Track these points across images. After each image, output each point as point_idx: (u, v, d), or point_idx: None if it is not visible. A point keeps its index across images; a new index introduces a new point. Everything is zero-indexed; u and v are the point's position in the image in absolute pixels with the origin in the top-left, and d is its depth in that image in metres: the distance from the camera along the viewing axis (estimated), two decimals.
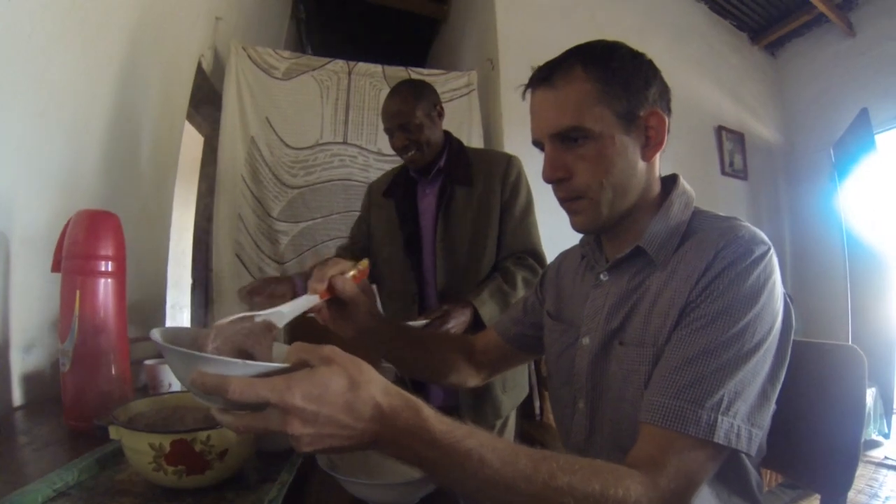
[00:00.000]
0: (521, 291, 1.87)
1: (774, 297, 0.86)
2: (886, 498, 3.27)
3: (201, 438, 0.83)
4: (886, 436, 4.09)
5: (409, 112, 1.93)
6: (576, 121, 0.94)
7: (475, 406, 1.93)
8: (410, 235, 2.05)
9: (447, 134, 2.11)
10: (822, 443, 1.01)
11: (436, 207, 2.02)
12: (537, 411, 3.35)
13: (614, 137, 0.94)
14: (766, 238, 0.90)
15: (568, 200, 1.01)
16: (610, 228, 1.03)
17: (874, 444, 4.01)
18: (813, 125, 5.22)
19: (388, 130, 2.00)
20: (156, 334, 0.73)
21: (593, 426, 1.03)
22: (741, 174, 5.06)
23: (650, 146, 0.98)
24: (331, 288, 1.03)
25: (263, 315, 0.86)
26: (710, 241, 0.90)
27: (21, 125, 1.42)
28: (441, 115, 2.05)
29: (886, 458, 3.81)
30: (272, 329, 0.86)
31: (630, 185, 0.98)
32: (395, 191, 2.14)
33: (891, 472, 3.63)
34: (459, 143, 2.13)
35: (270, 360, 0.79)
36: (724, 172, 4.94)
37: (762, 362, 0.83)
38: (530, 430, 3.29)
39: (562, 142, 0.97)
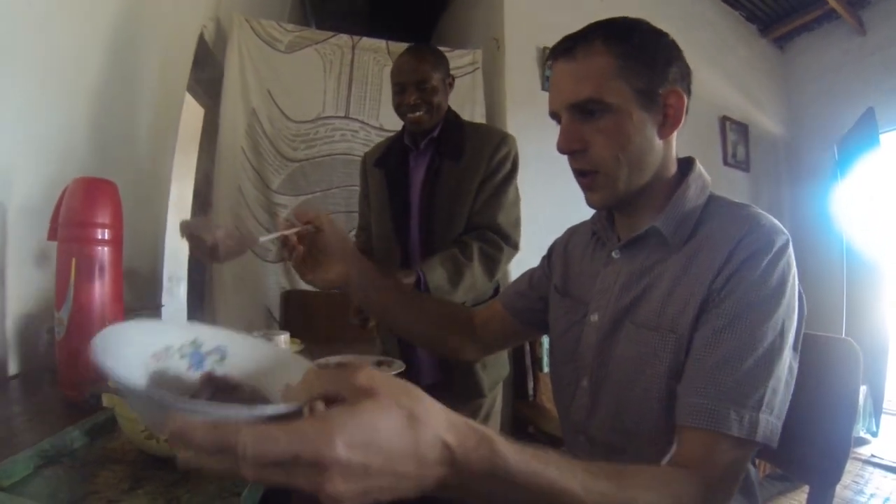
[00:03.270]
0: (476, 262, 1.85)
1: (795, 289, 0.87)
2: (871, 495, 3.29)
3: None
4: (874, 434, 4.12)
5: (428, 72, 1.91)
6: (594, 93, 0.93)
7: (454, 383, 1.93)
8: (398, 207, 2.04)
9: (448, 107, 2.09)
10: (814, 434, 1.02)
11: (423, 180, 2.02)
12: (531, 392, 3.36)
13: (632, 113, 0.94)
14: (783, 227, 0.90)
15: (583, 175, 1.00)
16: (624, 205, 1.03)
17: (862, 442, 4.03)
18: (818, 121, 5.20)
19: (399, 86, 1.95)
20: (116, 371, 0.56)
21: (595, 405, 1.03)
22: (743, 165, 5.06)
23: (667, 125, 0.97)
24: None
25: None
26: (730, 228, 0.91)
27: (20, 93, 1.40)
28: (451, 86, 2.05)
29: (873, 455, 3.83)
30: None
31: (646, 162, 0.98)
32: (388, 161, 2.13)
33: (877, 470, 3.65)
34: (457, 116, 2.10)
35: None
36: (726, 163, 4.93)
37: (788, 355, 0.85)
38: (523, 410, 3.32)
39: (579, 113, 0.96)
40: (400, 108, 1.98)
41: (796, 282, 0.88)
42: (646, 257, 1.01)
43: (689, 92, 1.00)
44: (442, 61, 2.00)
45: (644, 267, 1.00)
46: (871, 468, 3.69)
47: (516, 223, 2.02)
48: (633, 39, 0.95)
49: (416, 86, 1.91)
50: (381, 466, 0.49)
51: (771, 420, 0.80)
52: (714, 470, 0.77)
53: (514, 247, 1.99)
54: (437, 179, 1.98)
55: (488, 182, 1.96)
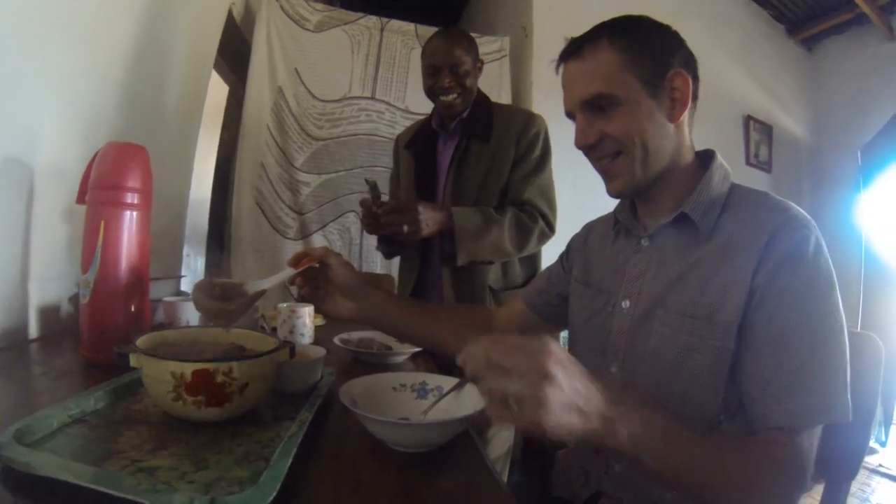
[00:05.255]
0: (507, 223, 1.86)
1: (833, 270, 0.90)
2: None
3: (223, 370, 0.83)
4: (883, 444, 4.09)
5: (461, 55, 1.93)
6: (603, 88, 0.97)
7: None
8: (424, 188, 2.05)
9: (478, 89, 2.10)
10: (834, 428, 1.02)
11: (450, 161, 2.02)
12: None
13: (640, 102, 0.97)
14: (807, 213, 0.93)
15: (604, 160, 1.03)
16: (645, 192, 1.05)
17: (870, 451, 4.01)
18: (843, 125, 5.12)
19: (432, 68, 1.97)
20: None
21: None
22: (766, 166, 5.01)
23: (676, 108, 1.00)
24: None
25: (247, 286, 1.09)
26: (762, 216, 0.93)
27: (52, 59, 1.40)
28: (480, 69, 2.06)
29: (881, 465, 3.81)
30: (245, 293, 1.07)
31: (661, 147, 1.00)
32: (416, 143, 2.14)
33: (883, 480, 3.64)
34: (486, 98, 2.12)
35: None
36: (748, 163, 4.88)
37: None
38: None
39: (591, 110, 1.00)
40: (433, 91, 1.99)
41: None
42: (676, 244, 1.02)
43: (695, 77, 1.03)
44: (473, 45, 2.01)
45: (676, 254, 1.01)
46: (878, 477, 3.68)
47: (551, 204, 2.02)
48: (637, 34, 1.00)
49: (450, 69, 1.93)
50: (580, 386, 0.70)
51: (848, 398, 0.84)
52: (811, 460, 0.82)
53: (549, 226, 1.99)
54: (466, 159, 1.99)
55: (522, 163, 1.98)
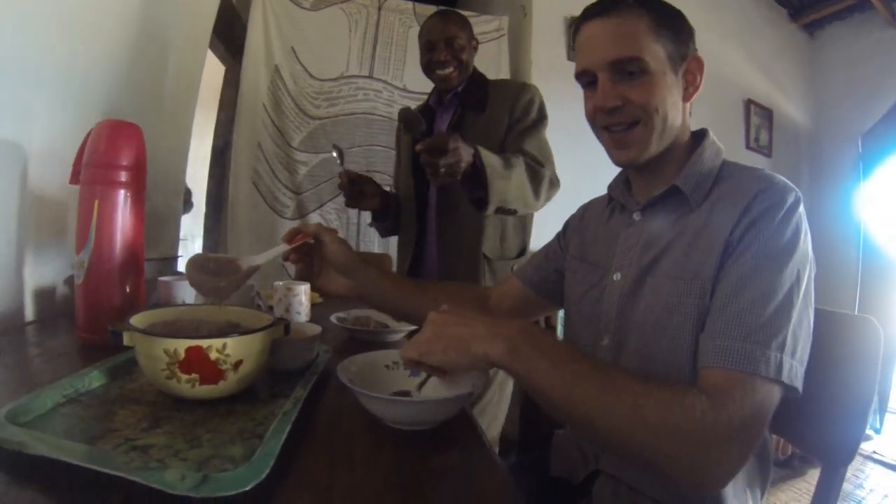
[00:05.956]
0: (523, 165, 1.80)
1: (808, 243, 0.90)
2: (871, 490, 3.32)
3: (217, 346, 0.83)
4: (878, 431, 4.12)
5: (455, 30, 2.01)
6: (636, 52, 0.96)
7: None
8: (418, 164, 1.91)
9: (474, 67, 2.14)
10: (832, 411, 1.03)
11: (445, 130, 2.05)
12: None
13: (666, 74, 0.98)
14: (795, 186, 0.93)
15: (618, 127, 1.02)
16: (648, 165, 1.05)
17: (865, 438, 4.03)
18: (844, 112, 5.09)
19: (429, 44, 2.03)
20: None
21: (617, 361, 1.04)
22: (765, 151, 4.99)
23: (689, 89, 1.03)
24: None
25: (241, 261, 1.09)
26: (746, 184, 0.94)
27: (45, 39, 1.38)
28: (476, 48, 2.12)
29: (875, 452, 3.83)
30: (239, 268, 1.08)
31: (674, 123, 1.01)
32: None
33: (877, 467, 3.66)
34: (482, 75, 2.15)
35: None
36: (748, 146, 4.87)
37: (806, 304, 0.87)
38: None
39: (617, 73, 0.98)
40: (429, 66, 2.05)
41: (808, 238, 0.90)
42: (666, 216, 1.03)
43: None
44: (468, 24, 2.08)
45: (665, 225, 1.02)
46: (872, 464, 3.70)
47: (551, 161, 2.01)
48: (664, 9, 1.00)
49: (446, 42, 2.00)
50: (455, 328, 0.85)
51: (794, 363, 0.81)
52: (743, 409, 0.77)
53: (554, 177, 1.97)
54: (461, 129, 1.99)
55: (516, 125, 1.99)
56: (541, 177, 1.87)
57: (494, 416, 2.04)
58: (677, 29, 0.99)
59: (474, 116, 2.02)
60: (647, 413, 0.75)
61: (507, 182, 1.72)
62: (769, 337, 0.81)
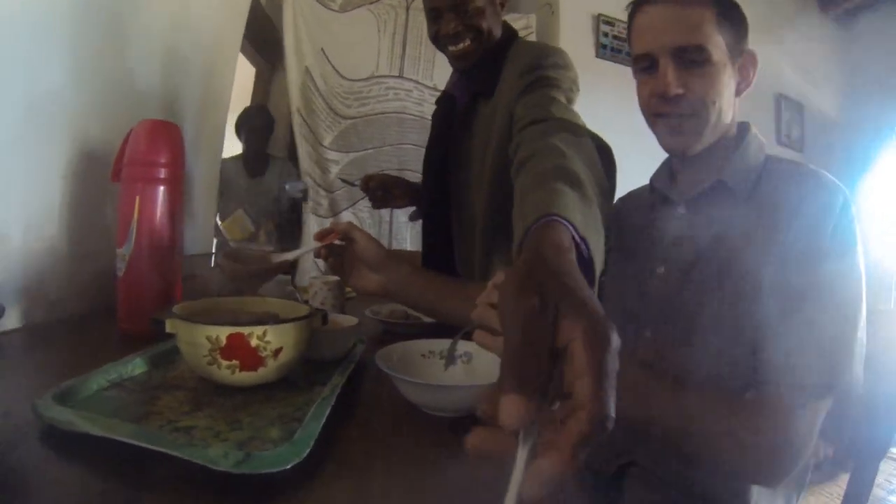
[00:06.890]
0: (590, 185, 0.98)
1: (860, 242, 0.90)
2: None
3: (258, 333, 0.84)
4: None
5: None
6: (702, 41, 0.96)
7: None
8: (430, 162, 1.77)
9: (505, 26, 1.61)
10: (864, 404, 1.00)
11: (457, 125, 1.65)
12: None
13: (727, 67, 0.98)
14: (840, 183, 0.93)
15: (677, 117, 1.01)
16: (696, 156, 1.04)
17: None
18: (879, 106, 4.97)
19: (434, 11, 1.53)
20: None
21: (660, 353, 1.04)
22: (797, 146, 4.91)
23: (741, 85, 1.02)
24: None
25: (272, 256, 1.16)
26: (793, 182, 0.94)
27: (83, 39, 1.41)
28: (504, 5, 1.59)
29: None
30: (269, 261, 1.16)
31: (728, 116, 1.01)
32: (436, 113, 1.86)
33: None
34: (506, 40, 1.58)
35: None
36: (779, 142, 4.79)
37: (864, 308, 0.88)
38: None
39: (680, 60, 0.98)
40: (438, 42, 1.59)
41: (859, 238, 0.89)
42: (713, 211, 1.02)
43: None
44: None
45: (712, 221, 1.01)
46: None
47: (580, 120, 1.24)
48: (726, 1, 0.99)
49: (454, 9, 1.49)
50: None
51: (858, 372, 0.84)
52: (812, 423, 0.81)
53: (597, 137, 1.14)
54: (470, 128, 1.61)
55: (533, 88, 1.36)
56: (591, 151, 0.99)
57: None
58: (738, 22, 0.99)
59: (484, 104, 1.55)
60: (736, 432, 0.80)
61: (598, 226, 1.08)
62: (840, 353, 0.82)
